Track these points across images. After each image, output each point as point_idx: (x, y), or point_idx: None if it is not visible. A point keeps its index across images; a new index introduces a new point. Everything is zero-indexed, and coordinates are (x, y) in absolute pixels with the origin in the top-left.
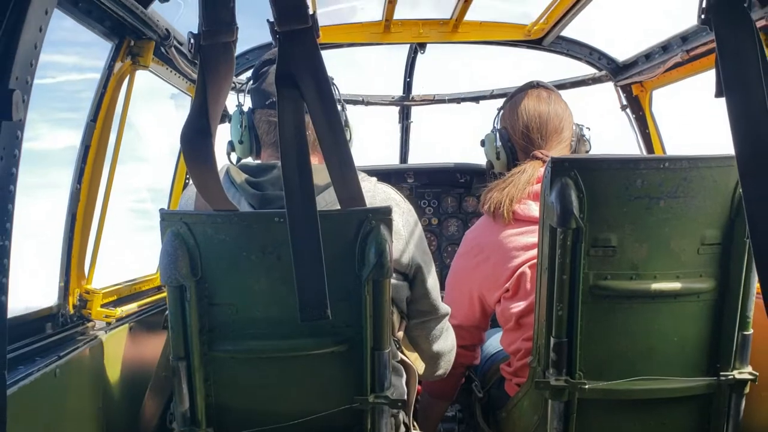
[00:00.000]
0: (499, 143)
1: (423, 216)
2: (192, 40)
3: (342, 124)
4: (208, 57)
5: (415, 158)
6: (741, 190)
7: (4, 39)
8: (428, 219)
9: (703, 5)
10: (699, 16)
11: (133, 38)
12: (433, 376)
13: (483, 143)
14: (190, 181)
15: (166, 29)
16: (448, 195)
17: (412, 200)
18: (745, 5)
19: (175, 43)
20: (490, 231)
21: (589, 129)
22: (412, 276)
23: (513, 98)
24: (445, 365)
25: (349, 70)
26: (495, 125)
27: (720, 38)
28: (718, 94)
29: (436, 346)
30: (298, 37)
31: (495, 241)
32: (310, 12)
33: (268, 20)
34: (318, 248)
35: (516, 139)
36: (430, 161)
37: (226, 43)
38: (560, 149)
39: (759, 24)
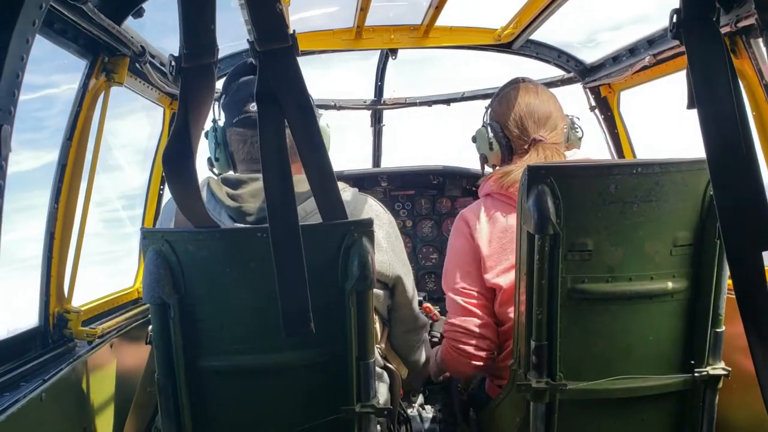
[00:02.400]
0: (491, 134)
1: (397, 218)
2: (173, 63)
3: (322, 140)
4: (190, 78)
5: (388, 162)
6: (712, 193)
7: None
8: (402, 221)
9: (674, 20)
10: (670, 30)
11: (107, 55)
12: (408, 386)
13: (474, 139)
14: (166, 194)
15: (141, 46)
16: (421, 197)
17: (386, 203)
18: (714, 20)
19: (150, 58)
20: (493, 218)
21: (579, 119)
22: (392, 286)
23: (500, 93)
24: (425, 372)
25: (320, 73)
26: (485, 121)
27: (691, 52)
28: (690, 106)
29: (413, 358)
30: (278, 56)
31: (499, 229)
32: (290, 32)
33: (248, 40)
34: (300, 263)
35: (510, 129)
36: (404, 164)
37: (207, 64)
38: (554, 134)
39: (725, 30)
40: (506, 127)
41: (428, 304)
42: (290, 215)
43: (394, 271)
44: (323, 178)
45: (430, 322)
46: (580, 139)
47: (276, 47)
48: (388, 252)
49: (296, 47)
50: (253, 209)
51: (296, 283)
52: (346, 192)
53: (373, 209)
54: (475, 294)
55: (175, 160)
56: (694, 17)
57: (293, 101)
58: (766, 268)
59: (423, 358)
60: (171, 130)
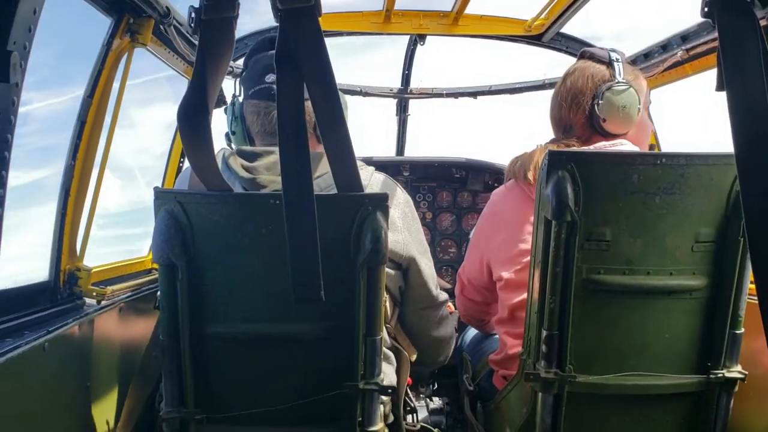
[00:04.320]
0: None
1: (418, 209)
2: (193, 14)
3: (341, 106)
4: (209, 32)
5: (412, 151)
6: (738, 187)
7: (4, 2)
8: (422, 213)
9: None
10: (702, 9)
11: (132, 15)
12: (436, 362)
13: None
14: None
15: (167, 7)
16: (443, 189)
17: (408, 193)
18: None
19: (175, 22)
20: (509, 198)
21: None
22: (407, 267)
23: None
24: (447, 351)
25: (348, 59)
26: None
27: (722, 31)
28: (719, 88)
29: (437, 333)
30: (300, 15)
31: (510, 213)
32: None
33: None
34: (313, 229)
35: None
36: (427, 155)
37: (227, 18)
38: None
39: (762, 23)
40: None
41: None
42: (305, 180)
43: (409, 251)
44: (341, 146)
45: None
46: (605, 120)
47: (298, 6)
48: (403, 231)
49: (319, 7)
50: (267, 181)
51: (308, 250)
52: (363, 170)
53: (389, 187)
54: (467, 275)
55: (190, 116)
56: None
57: (313, 63)
58: None
59: (447, 332)
60: (188, 86)
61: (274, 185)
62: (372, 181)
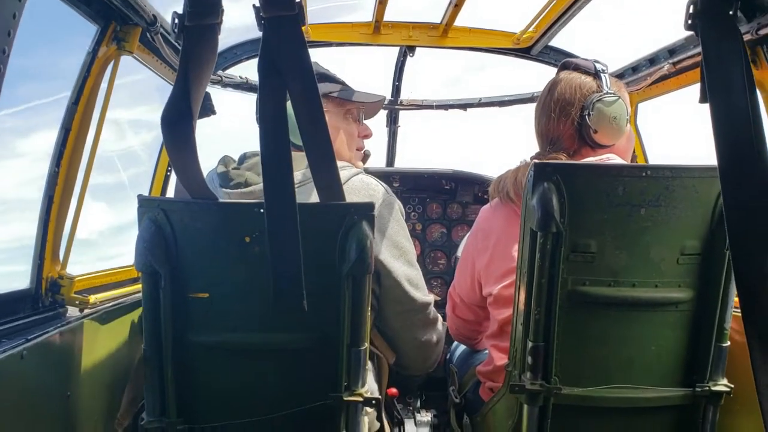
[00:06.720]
0: None
1: (407, 221)
2: (176, 20)
3: (323, 114)
4: (192, 38)
5: (402, 162)
6: (722, 199)
7: None
8: (412, 224)
9: (690, 11)
10: (686, 22)
11: (119, 23)
12: (423, 367)
13: None
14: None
15: (153, 15)
16: (433, 201)
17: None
18: (731, 12)
19: (162, 30)
20: (497, 215)
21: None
22: (377, 268)
23: None
24: (434, 356)
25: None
26: None
27: (706, 44)
28: (703, 100)
29: (423, 336)
30: (283, 23)
31: (498, 230)
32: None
33: (254, 5)
34: (296, 238)
35: None
36: (417, 166)
37: (211, 24)
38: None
39: (745, 38)
40: None
41: None
42: (287, 187)
43: (377, 252)
44: (322, 154)
45: None
46: (595, 131)
47: (281, 14)
48: (375, 232)
49: (302, 16)
50: (236, 175)
51: (290, 258)
52: (345, 170)
53: (370, 187)
54: (459, 293)
55: (174, 122)
56: (711, 9)
57: (296, 71)
58: None
59: (435, 336)
60: (171, 93)
61: (240, 177)
62: (353, 180)
